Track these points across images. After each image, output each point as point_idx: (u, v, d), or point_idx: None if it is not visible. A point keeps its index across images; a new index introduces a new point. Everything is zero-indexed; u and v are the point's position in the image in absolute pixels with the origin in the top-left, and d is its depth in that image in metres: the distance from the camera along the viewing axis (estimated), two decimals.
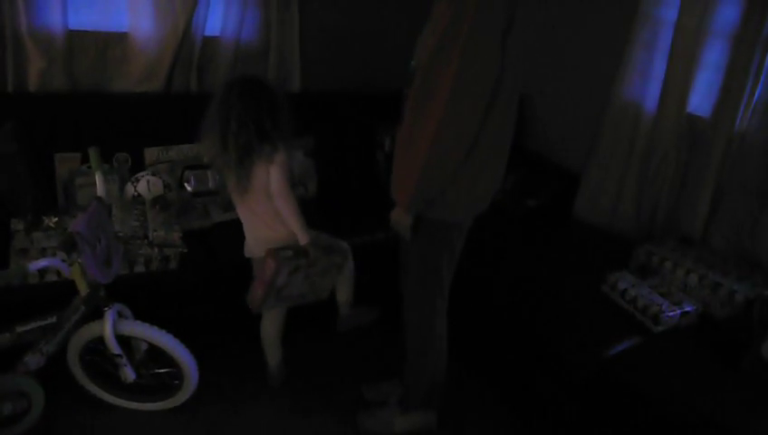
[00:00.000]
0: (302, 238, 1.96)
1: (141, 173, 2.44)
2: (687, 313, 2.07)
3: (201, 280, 2.22)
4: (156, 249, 2.16)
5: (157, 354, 2.01)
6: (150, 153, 2.60)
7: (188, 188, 2.54)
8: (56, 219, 2.23)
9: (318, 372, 2.45)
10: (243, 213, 2.03)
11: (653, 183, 2.57)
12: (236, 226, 2.09)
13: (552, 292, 2.27)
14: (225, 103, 1.86)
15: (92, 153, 1.94)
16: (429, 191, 1.71)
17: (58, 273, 1.98)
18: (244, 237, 2.09)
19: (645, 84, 2.60)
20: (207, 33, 2.83)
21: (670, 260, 2.25)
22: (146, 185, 2.39)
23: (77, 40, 2.62)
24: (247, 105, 1.85)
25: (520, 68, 1.67)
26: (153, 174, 2.44)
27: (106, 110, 2.62)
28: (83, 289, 1.84)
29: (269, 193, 1.92)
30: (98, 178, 1.92)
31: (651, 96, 2.58)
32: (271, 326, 2.20)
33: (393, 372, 2.27)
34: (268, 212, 1.96)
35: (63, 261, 1.82)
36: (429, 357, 2.03)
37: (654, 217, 2.59)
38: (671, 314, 2.04)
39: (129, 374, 1.97)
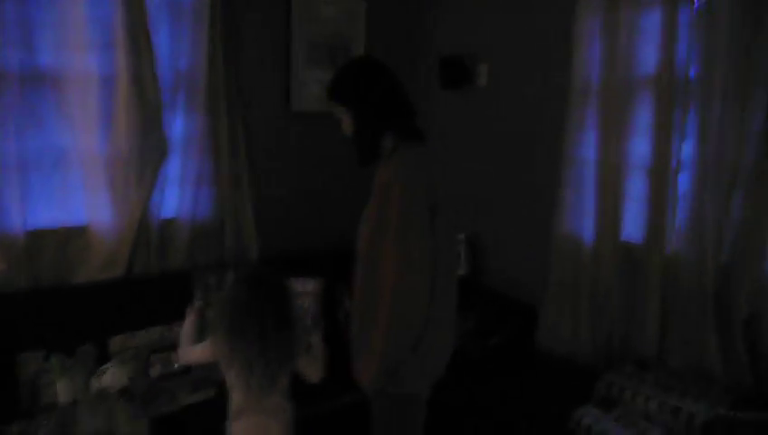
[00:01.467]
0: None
1: (106, 365, 2.46)
2: None
3: None
4: None
5: None
6: (115, 341, 2.63)
7: (152, 374, 2.56)
8: (18, 430, 2.20)
9: None
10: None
11: (603, 311, 2.68)
12: (206, 407, 2.09)
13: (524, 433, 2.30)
14: (252, 305, 1.87)
15: (54, 361, 1.98)
16: (391, 368, 1.77)
17: None
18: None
19: (580, 218, 2.78)
20: (164, 216, 2.97)
21: (629, 389, 2.32)
22: (110, 377, 2.40)
23: (37, 239, 2.71)
24: (279, 304, 1.89)
25: (453, 247, 1.82)
26: (120, 363, 2.46)
27: (68, 303, 2.67)
28: None
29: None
30: (59, 386, 1.94)
31: (587, 229, 2.75)
32: None
33: None
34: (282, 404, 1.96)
35: None
36: None
37: (610, 344, 2.68)
38: None
39: None
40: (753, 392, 2.25)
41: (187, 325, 2.11)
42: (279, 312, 1.87)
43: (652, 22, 2.46)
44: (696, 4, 2.32)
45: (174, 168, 2.98)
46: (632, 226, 2.64)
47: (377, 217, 1.74)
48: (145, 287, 2.81)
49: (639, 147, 2.57)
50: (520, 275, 3.20)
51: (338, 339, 2.38)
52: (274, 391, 1.90)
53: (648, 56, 2.48)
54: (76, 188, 2.78)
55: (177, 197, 3.01)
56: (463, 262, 3.26)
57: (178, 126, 2.97)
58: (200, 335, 2.11)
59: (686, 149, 2.40)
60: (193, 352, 2.05)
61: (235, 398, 1.92)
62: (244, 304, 1.86)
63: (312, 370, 2.04)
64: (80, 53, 2.66)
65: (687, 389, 2.27)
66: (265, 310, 1.85)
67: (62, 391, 1.95)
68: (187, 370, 2.61)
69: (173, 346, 2.60)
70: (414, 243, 1.68)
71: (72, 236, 2.80)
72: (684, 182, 2.42)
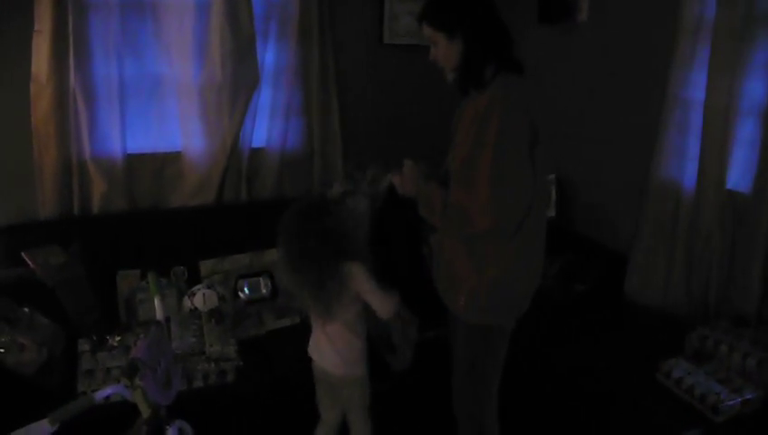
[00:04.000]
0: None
1: (197, 286, 2.57)
2: (749, 400, 2.01)
3: (259, 391, 2.28)
4: (212, 364, 2.25)
5: None
6: (206, 265, 2.74)
7: (242, 297, 2.65)
8: (119, 338, 2.35)
9: None
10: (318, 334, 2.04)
11: (701, 262, 2.54)
12: (290, 332, 2.16)
13: (606, 383, 2.25)
14: (296, 234, 1.88)
15: (151, 277, 2.07)
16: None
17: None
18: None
19: (681, 164, 2.62)
20: (254, 144, 3.02)
21: (725, 344, 2.21)
22: (201, 298, 2.50)
23: (135, 163, 2.84)
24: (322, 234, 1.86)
25: (547, 182, 1.75)
26: (208, 286, 2.56)
27: (163, 226, 2.80)
28: (145, 411, 1.92)
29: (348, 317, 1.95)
30: (156, 302, 2.03)
31: (689, 175, 2.59)
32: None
33: None
34: (344, 336, 1.98)
35: (126, 387, 1.92)
36: None
37: (706, 297, 2.55)
38: (731, 402, 1.99)
39: None
40: None
41: None
42: (323, 242, 1.84)
43: None
44: None
45: (265, 98, 3.01)
46: (740, 173, 2.46)
47: (474, 138, 1.68)
48: (234, 214, 2.90)
49: (755, 88, 2.37)
50: (611, 221, 3.06)
51: (421, 274, 2.39)
52: (335, 320, 1.93)
53: None
54: (172, 115, 2.87)
55: (267, 126, 3.05)
56: (552, 203, 3.16)
57: (270, 56, 2.98)
58: None
59: None
60: None
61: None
62: (293, 235, 1.87)
63: (379, 304, 1.93)
64: None
65: None
66: (309, 240, 1.83)
67: (158, 308, 2.04)
68: (274, 295, 2.69)
69: (260, 272, 2.70)
70: (511, 166, 1.63)
71: (168, 162, 2.90)
72: None
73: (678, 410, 2.07)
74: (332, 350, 1.98)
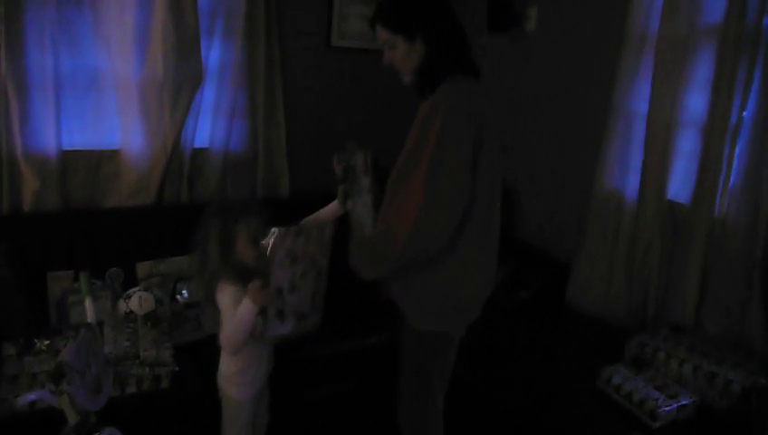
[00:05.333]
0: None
1: (133, 289, 2.46)
2: (685, 406, 2.05)
3: (194, 397, 2.20)
4: (147, 369, 2.16)
5: None
6: (143, 267, 2.63)
7: (180, 301, 2.56)
8: (48, 342, 2.24)
9: None
10: None
11: (641, 271, 2.59)
12: None
13: (548, 390, 2.26)
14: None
15: (82, 278, 1.97)
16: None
17: None
18: None
19: (624, 174, 2.67)
20: (197, 145, 2.93)
21: (663, 351, 2.25)
22: (137, 301, 2.40)
23: (70, 159, 2.71)
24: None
25: (496, 188, 1.74)
26: (145, 289, 2.46)
27: (98, 226, 2.68)
28: (72, 418, 1.82)
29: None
30: (87, 304, 1.93)
31: (631, 185, 2.64)
32: None
33: None
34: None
35: (52, 392, 1.81)
36: None
37: (645, 305, 2.60)
38: (668, 408, 2.02)
39: None
40: None
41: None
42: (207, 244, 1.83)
43: None
44: None
45: (209, 97, 2.92)
46: (680, 185, 2.52)
47: (413, 146, 1.66)
48: (174, 216, 2.79)
49: (695, 102, 2.43)
50: (555, 230, 3.10)
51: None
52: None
53: (716, 2, 2.31)
54: (110, 111, 2.76)
55: (210, 126, 2.96)
56: None
57: (215, 54, 2.90)
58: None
59: (748, 107, 2.25)
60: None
61: None
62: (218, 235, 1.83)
63: (225, 331, 1.85)
64: None
65: (725, 356, 2.19)
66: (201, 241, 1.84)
67: (88, 310, 1.95)
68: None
69: None
70: (446, 175, 1.59)
71: (105, 160, 2.78)
72: (742, 142, 2.28)
73: (618, 416, 2.09)
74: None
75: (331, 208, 2.04)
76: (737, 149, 2.30)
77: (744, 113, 2.26)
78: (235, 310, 1.80)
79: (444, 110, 1.61)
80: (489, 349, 2.51)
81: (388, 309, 1.95)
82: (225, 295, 1.83)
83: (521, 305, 2.79)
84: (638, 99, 2.58)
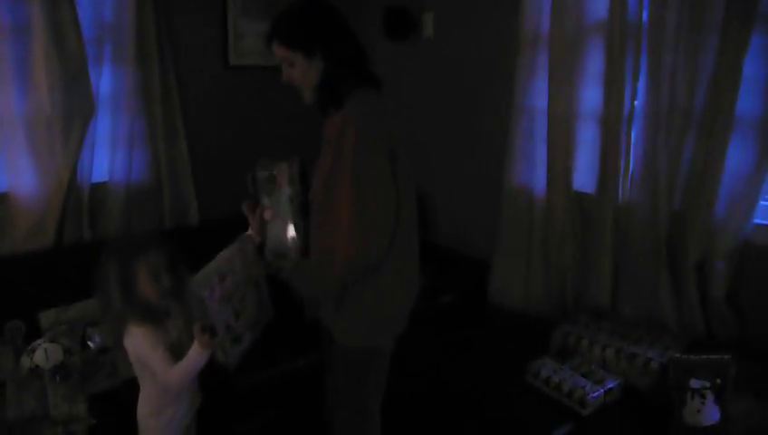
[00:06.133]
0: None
1: (38, 341, 2.28)
2: (611, 389, 2.12)
3: None
4: (60, 428, 2.00)
5: None
6: (47, 316, 2.45)
7: (92, 347, 2.40)
8: None
9: None
10: None
11: (557, 263, 2.67)
12: None
13: (479, 391, 2.28)
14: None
15: None
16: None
17: None
18: None
19: (531, 170, 2.74)
20: (95, 179, 2.76)
21: (585, 338, 2.32)
22: (43, 354, 2.22)
23: None
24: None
25: (413, 197, 1.73)
26: (51, 340, 2.28)
27: None
28: None
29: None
30: None
31: (539, 180, 2.71)
32: None
33: None
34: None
35: None
36: None
37: (564, 295, 2.67)
38: (595, 394, 2.08)
39: None
40: (704, 337, 2.28)
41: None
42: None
43: None
44: None
45: (103, 127, 2.76)
46: (584, 176, 2.61)
47: (330, 165, 1.63)
48: (78, 256, 2.61)
49: (591, 95, 2.53)
50: (471, 231, 3.15)
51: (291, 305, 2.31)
52: None
53: (599, 1, 2.42)
54: None
55: (108, 158, 2.80)
56: None
57: (106, 81, 2.74)
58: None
59: (638, 96, 2.36)
60: None
61: None
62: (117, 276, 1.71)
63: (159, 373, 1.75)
64: None
65: (642, 336, 2.29)
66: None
67: None
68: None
69: None
70: (372, 186, 1.58)
71: None
72: (636, 130, 2.39)
73: (549, 408, 2.13)
74: None
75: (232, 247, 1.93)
76: (633, 137, 2.42)
77: (636, 102, 2.38)
78: (153, 353, 1.71)
79: (355, 123, 1.59)
80: (417, 357, 2.50)
81: (313, 330, 1.91)
82: (137, 339, 1.73)
83: (444, 310, 2.81)
84: (538, 96, 2.66)
